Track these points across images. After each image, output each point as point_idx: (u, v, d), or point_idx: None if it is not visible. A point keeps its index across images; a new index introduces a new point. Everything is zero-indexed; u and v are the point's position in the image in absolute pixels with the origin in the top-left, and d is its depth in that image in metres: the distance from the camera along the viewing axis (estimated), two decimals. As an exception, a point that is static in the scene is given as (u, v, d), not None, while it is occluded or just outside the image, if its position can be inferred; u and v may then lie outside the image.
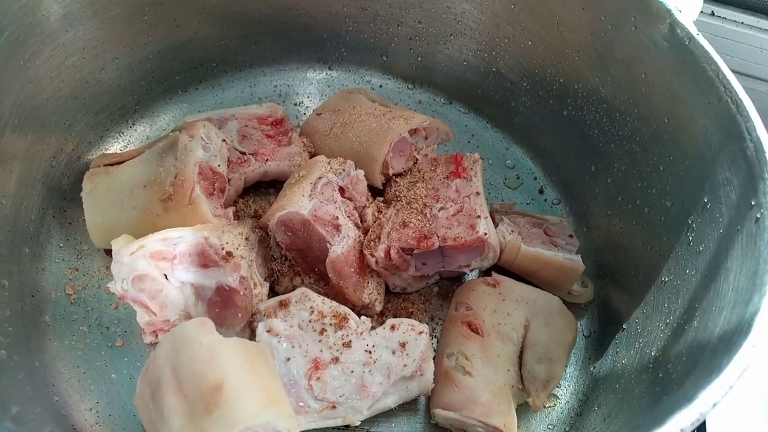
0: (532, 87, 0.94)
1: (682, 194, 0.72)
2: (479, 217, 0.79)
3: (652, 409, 0.59)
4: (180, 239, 0.71)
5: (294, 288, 0.80)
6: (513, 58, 0.94)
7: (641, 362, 0.70)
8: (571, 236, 0.84)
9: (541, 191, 0.97)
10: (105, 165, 0.81)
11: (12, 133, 0.72)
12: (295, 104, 1.03)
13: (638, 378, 0.68)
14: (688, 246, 0.70)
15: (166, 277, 0.72)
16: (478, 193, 0.82)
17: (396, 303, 0.84)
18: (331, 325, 0.73)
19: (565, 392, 0.78)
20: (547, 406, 0.77)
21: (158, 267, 0.71)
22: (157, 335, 0.75)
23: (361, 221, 0.84)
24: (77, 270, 0.81)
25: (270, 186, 0.92)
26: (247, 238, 0.78)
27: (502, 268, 0.83)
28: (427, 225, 0.80)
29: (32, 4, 0.72)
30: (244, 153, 0.88)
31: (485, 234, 0.77)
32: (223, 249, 0.73)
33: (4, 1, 0.68)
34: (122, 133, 0.93)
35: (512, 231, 0.82)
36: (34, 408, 0.61)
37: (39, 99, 0.77)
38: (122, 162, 0.81)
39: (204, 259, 0.72)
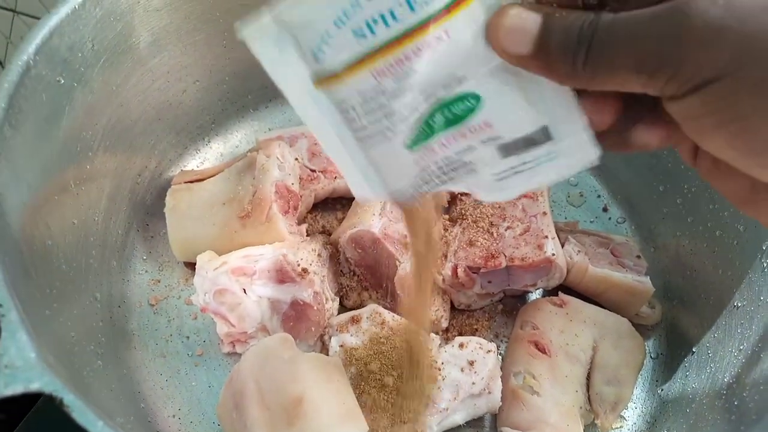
0: (597, 106, 0.94)
1: (756, 219, 0.72)
2: (547, 237, 0.80)
3: (730, 439, 0.59)
4: (261, 256, 0.75)
5: (362, 303, 0.83)
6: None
7: (713, 388, 0.70)
8: (638, 257, 0.84)
9: (605, 209, 0.97)
10: (186, 182, 0.85)
11: (104, 153, 0.77)
12: (359, 121, 1.06)
13: (711, 404, 0.68)
14: (762, 272, 0.70)
15: (245, 292, 0.76)
16: (545, 213, 0.83)
17: (460, 320, 0.85)
18: (401, 341, 0.75)
19: (632, 414, 0.79)
20: (614, 427, 0.77)
21: (238, 282, 0.75)
22: (234, 346, 0.79)
23: (428, 239, 0.86)
24: (159, 281, 0.86)
25: (336, 202, 0.95)
26: (319, 255, 0.81)
27: (567, 287, 0.84)
28: (494, 244, 0.81)
29: (125, 32, 0.76)
30: (314, 170, 0.91)
31: (553, 255, 0.78)
32: (299, 265, 0.76)
33: (100, 31, 0.73)
34: (199, 151, 0.97)
35: (579, 251, 0.82)
36: (128, 417, 0.65)
37: (128, 121, 0.81)
38: (202, 179, 0.85)
39: (282, 276, 0.76)
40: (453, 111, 0.43)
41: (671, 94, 0.36)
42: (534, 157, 0.43)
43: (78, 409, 0.44)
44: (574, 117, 0.41)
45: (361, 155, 0.46)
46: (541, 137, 0.42)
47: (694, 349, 0.77)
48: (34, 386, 0.44)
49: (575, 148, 0.42)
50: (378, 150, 0.45)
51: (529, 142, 0.43)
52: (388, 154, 0.45)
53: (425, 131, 0.44)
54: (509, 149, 0.43)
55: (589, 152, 0.42)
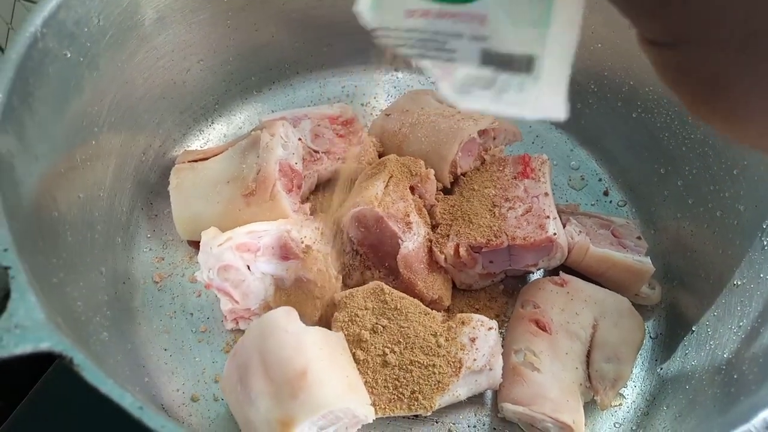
0: (599, 89, 0.95)
1: (756, 199, 0.72)
2: (548, 217, 0.81)
3: (729, 409, 0.60)
4: (265, 232, 0.76)
5: (364, 281, 0.83)
6: (581, 61, 0.92)
7: (713, 364, 0.70)
8: (639, 238, 0.85)
9: (606, 193, 0.97)
10: (190, 161, 0.85)
11: (109, 130, 0.78)
12: (362, 104, 1.06)
13: (710, 379, 0.69)
14: (762, 250, 0.71)
15: (249, 268, 0.76)
16: (546, 194, 0.84)
17: (462, 299, 0.86)
18: (403, 318, 0.76)
19: (632, 392, 0.79)
20: (614, 405, 0.78)
21: (242, 258, 0.75)
22: (237, 322, 0.80)
23: (430, 218, 0.86)
24: (163, 259, 0.86)
25: (340, 183, 0.95)
26: (322, 233, 0.81)
27: (568, 267, 0.84)
28: (496, 224, 0.82)
29: (130, 8, 0.77)
30: (317, 151, 0.92)
31: (554, 234, 0.79)
32: (302, 242, 0.77)
33: (106, 6, 0.73)
34: (202, 131, 0.98)
35: (580, 232, 0.83)
36: (133, 388, 0.66)
37: (133, 99, 0.82)
38: (206, 158, 0.85)
39: (285, 252, 0.76)
40: None
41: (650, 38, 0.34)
42: (505, 82, 0.40)
43: (88, 369, 0.45)
44: (564, 64, 0.38)
45: None
46: (522, 65, 0.39)
47: (693, 328, 0.78)
48: (44, 345, 0.45)
49: (546, 97, 0.39)
50: None
51: (507, 63, 0.39)
52: None
53: None
54: (490, 59, 0.40)
55: (558, 110, 0.39)
